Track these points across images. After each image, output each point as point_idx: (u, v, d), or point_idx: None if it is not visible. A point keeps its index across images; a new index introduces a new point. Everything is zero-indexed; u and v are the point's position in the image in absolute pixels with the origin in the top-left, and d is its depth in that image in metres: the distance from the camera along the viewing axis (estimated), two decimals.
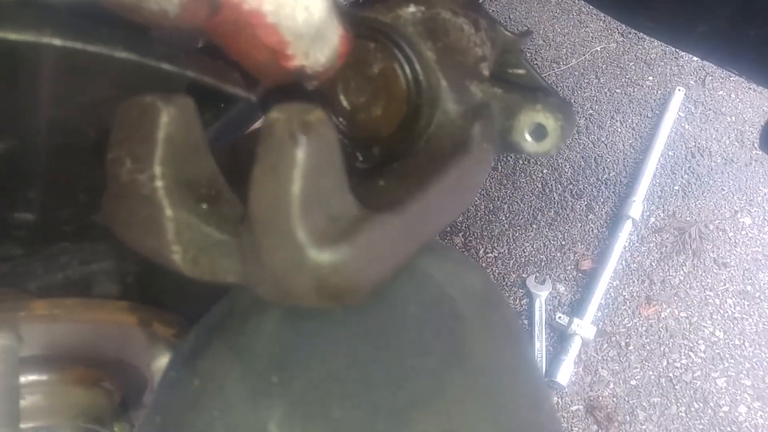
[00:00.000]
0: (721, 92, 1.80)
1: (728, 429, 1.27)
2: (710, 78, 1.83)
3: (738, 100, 1.78)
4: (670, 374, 1.34)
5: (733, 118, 1.74)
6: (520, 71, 0.42)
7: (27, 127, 0.33)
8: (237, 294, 0.33)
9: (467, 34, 0.38)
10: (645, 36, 1.94)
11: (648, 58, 1.89)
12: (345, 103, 0.39)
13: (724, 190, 1.62)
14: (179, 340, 0.41)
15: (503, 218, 1.59)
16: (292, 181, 0.24)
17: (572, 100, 1.81)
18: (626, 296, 1.45)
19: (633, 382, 1.33)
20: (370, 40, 0.37)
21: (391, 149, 0.39)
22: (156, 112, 0.28)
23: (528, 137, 0.37)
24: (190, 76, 0.33)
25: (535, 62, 1.92)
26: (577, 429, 1.28)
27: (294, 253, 0.25)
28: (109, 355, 0.43)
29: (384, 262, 0.28)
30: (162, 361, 0.43)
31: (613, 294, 1.45)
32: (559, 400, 1.31)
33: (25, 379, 0.40)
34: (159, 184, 0.28)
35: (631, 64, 1.89)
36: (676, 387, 1.33)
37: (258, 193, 0.25)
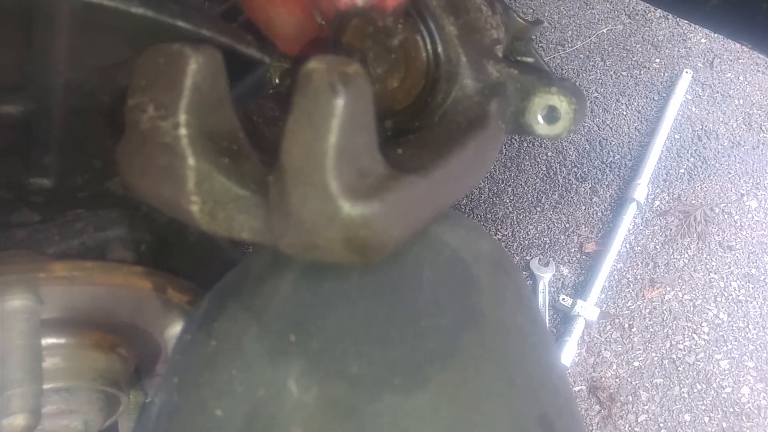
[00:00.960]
0: (729, 74, 1.79)
1: (731, 410, 1.28)
2: (718, 60, 1.82)
3: (746, 82, 1.76)
4: (673, 356, 1.35)
5: (741, 100, 1.73)
6: (529, 59, 0.42)
7: (43, 88, 0.33)
8: (251, 259, 0.34)
9: (485, 14, 0.39)
10: (653, 17, 1.92)
11: (655, 40, 1.87)
12: None
13: (730, 173, 1.61)
14: (193, 308, 0.41)
15: (507, 201, 1.59)
16: (330, 131, 0.24)
17: (577, 84, 1.80)
18: (630, 279, 1.45)
19: (636, 364, 1.34)
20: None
21: (405, 123, 0.38)
22: (185, 59, 0.28)
23: (540, 119, 0.37)
24: (205, 35, 0.33)
25: (540, 45, 1.90)
26: (579, 409, 1.29)
27: (326, 205, 0.25)
28: (125, 321, 0.44)
29: (407, 221, 0.28)
30: (176, 328, 0.43)
31: (616, 276, 1.45)
32: None
33: (45, 341, 0.40)
34: (183, 132, 0.27)
35: (638, 46, 1.88)
36: (679, 368, 1.33)
37: (292, 142, 0.25)
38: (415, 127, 0.38)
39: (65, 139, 0.38)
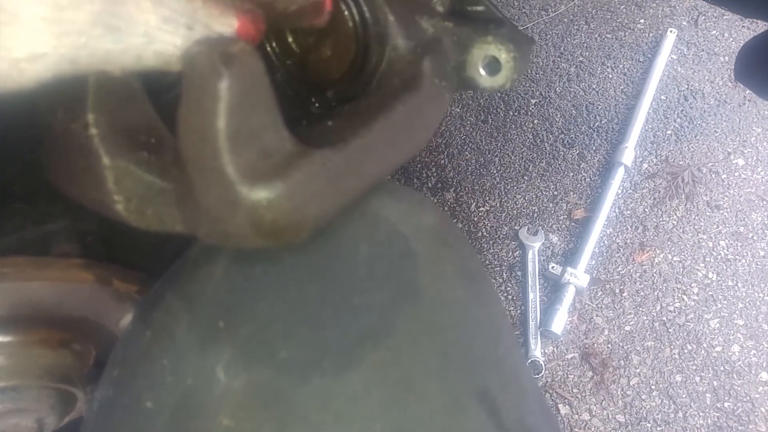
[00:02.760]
0: (714, 32, 1.76)
1: (721, 368, 1.29)
2: (703, 18, 1.78)
3: (731, 38, 1.73)
4: (664, 318, 1.35)
5: (727, 58, 1.70)
6: (479, 8, 0.41)
7: None
8: (192, 246, 0.33)
9: None
10: None
11: (639, 0, 1.84)
12: (294, 45, 0.38)
13: (717, 132, 1.60)
14: (142, 297, 0.41)
15: (494, 171, 1.57)
16: (217, 115, 0.23)
17: (562, 48, 1.77)
18: (620, 243, 1.44)
19: (627, 328, 1.34)
20: None
21: (346, 91, 0.37)
22: None
23: (482, 71, 0.36)
24: None
25: (523, 10, 1.87)
26: (572, 376, 1.30)
27: (226, 191, 0.24)
28: (75, 315, 0.43)
29: (325, 199, 0.27)
30: (129, 318, 0.42)
31: (606, 242, 1.44)
32: (555, 349, 1.32)
33: None
34: (93, 131, 0.27)
35: (621, 7, 1.84)
36: (670, 330, 1.34)
37: (185, 130, 0.24)
38: (356, 93, 0.37)
39: None
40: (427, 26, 0.35)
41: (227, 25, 0.27)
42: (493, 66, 0.36)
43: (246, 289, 0.28)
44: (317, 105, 0.39)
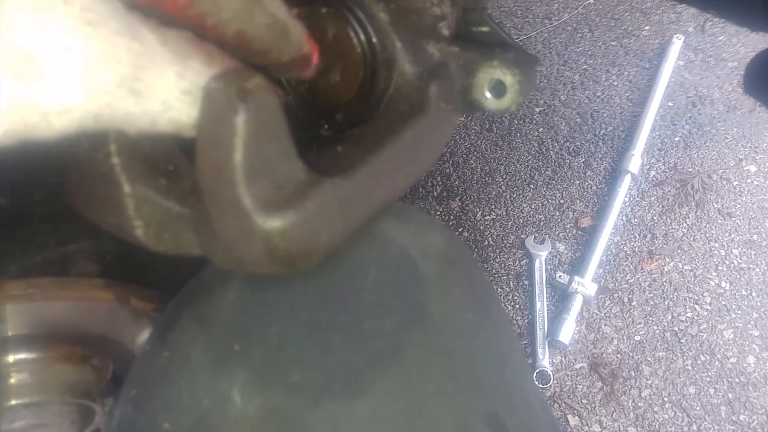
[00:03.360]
0: (721, 37, 1.74)
1: (736, 380, 1.25)
2: (710, 23, 1.77)
3: (740, 44, 1.71)
4: (675, 328, 1.32)
5: (735, 63, 1.68)
6: (484, 29, 0.42)
7: None
8: (206, 267, 0.33)
9: None
10: None
11: (644, 7, 1.83)
12: None
13: (727, 138, 1.57)
14: (159, 315, 0.42)
15: (500, 180, 1.55)
16: (234, 149, 0.24)
17: (566, 57, 1.76)
18: (628, 252, 1.42)
19: (637, 338, 1.31)
20: (322, 5, 0.36)
21: (354, 115, 0.38)
22: None
23: (488, 94, 0.36)
24: None
25: (526, 19, 1.86)
26: (581, 387, 1.26)
27: (241, 221, 0.25)
28: (95, 333, 0.44)
29: (336, 226, 0.28)
30: (145, 335, 0.43)
31: (614, 250, 1.42)
32: (563, 359, 1.29)
33: (13, 357, 0.42)
34: (115, 161, 0.28)
35: (626, 14, 1.83)
36: (682, 341, 1.30)
37: (202, 162, 0.25)
38: (365, 117, 0.37)
39: (14, 157, 0.37)
40: (434, 51, 0.36)
41: None
42: (499, 89, 0.36)
43: (259, 312, 0.29)
44: (327, 128, 0.40)
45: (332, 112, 0.39)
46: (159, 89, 0.24)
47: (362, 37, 0.36)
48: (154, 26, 0.24)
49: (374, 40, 0.36)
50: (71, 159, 0.29)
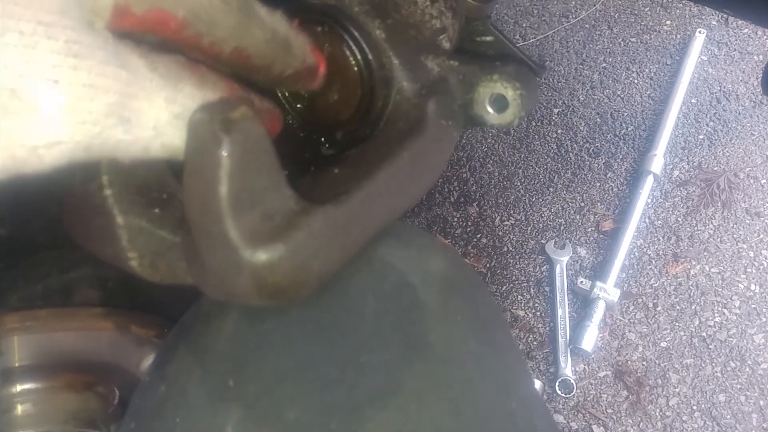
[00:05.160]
0: (746, 30, 1.68)
1: None
2: (744, 21, 1.71)
3: (765, 36, 1.66)
4: (703, 333, 1.28)
5: (761, 56, 1.63)
6: (488, 38, 0.41)
7: None
8: (203, 297, 0.33)
9: (421, 6, 0.37)
10: None
11: (664, 1, 1.78)
12: (303, 90, 0.38)
13: (753, 134, 1.52)
14: (162, 342, 0.42)
15: (518, 184, 1.53)
16: (219, 181, 0.24)
17: (584, 55, 1.72)
18: (651, 255, 1.38)
19: (663, 344, 1.28)
20: (317, 23, 0.36)
21: (355, 133, 0.38)
22: None
23: (489, 109, 0.35)
24: None
25: (543, 18, 1.83)
26: (606, 395, 1.24)
27: (229, 255, 0.25)
28: (97, 360, 0.44)
29: (329, 254, 0.27)
30: (149, 361, 0.43)
31: (637, 254, 1.38)
32: (586, 367, 1.27)
33: (16, 388, 0.42)
34: (108, 192, 0.28)
35: (646, 9, 1.78)
36: (710, 346, 1.26)
37: (188, 196, 0.25)
38: (364, 135, 0.37)
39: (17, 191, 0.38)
40: (433, 66, 0.35)
41: None
42: (501, 103, 0.35)
43: (255, 345, 0.29)
44: (328, 146, 0.39)
45: (332, 131, 0.39)
46: (149, 115, 0.23)
47: (358, 55, 0.36)
48: (144, 52, 0.23)
49: (370, 58, 0.35)
50: (67, 190, 0.30)
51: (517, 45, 0.41)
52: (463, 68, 0.35)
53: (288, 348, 0.28)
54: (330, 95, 0.37)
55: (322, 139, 0.39)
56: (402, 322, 0.29)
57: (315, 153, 0.39)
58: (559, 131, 1.60)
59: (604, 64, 1.70)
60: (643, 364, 1.26)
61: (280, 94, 0.39)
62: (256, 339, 0.29)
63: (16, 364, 0.41)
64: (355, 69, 0.36)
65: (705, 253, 1.37)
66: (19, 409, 0.42)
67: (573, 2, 1.85)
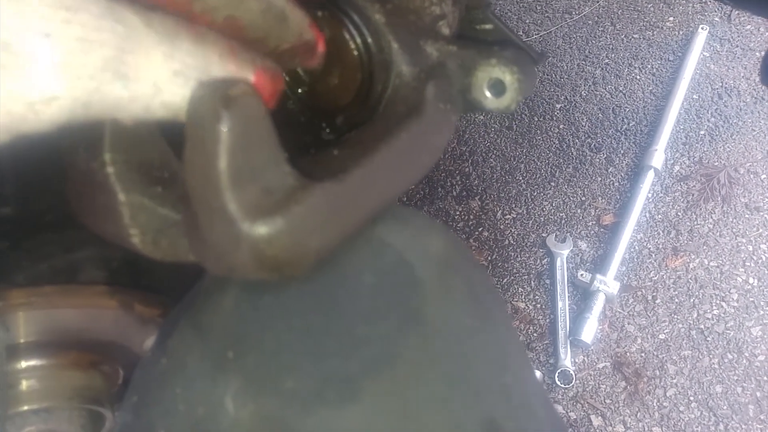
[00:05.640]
0: (748, 26, 1.69)
1: (765, 378, 1.23)
2: (736, 13, 1.72)
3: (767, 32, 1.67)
4: (701, 326, 1.30)
5: (763, 53, 1.64)
6: (488, 26, 0.41)
7: None
8: (205, 273, 0.34)
9: None
10: None
11: None
12: (303, 74, 0.39)
13: (754, 130, 1.53)
14: (163, 322, 0.42)
15: (520, 178, 1.55)
16: (218, 156, 0.24)
17: (587, 51, 1.74)
18: (651, 249, 1.40)
19: (662, 336, 1.29)
20: (318, 7, 0.36)
21: (355, 117, 0.38)
22: None
23: (488, 93, 0.36)
24: None
25: (546, 14, 1.84)
26: (604, 386, 1.26)
27: (228, 228, 0.25)
28: (102, 339, 0.45)
29: (327, 231, 0.28)
30: (153, 340, 0.44)
31: (637, 247, 1.40)
32: (585, 359, 1.29)
33: (22, 364, 0.42)
34: (110, 170, 0.28)
35: (649, 6, 1.79)
36: (708, 339, 1.28)
37: (189, 170, 0.26)
38: (364, 119, 0.37)
39: (20, 167, 0.38)
40: (432, 51, 0.36)
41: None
42: (499, 88, 0.36)
43: (254, 318, 0.29)
44: (329, 131, 0.40)
45: (333, 115, 0.39)
46: (147, 71, 0.23)
47: (358, 39, 0.36)
48: (140, 9, 0.23)
49: (370, 42, 0.36)
50: (71, 168, 0.30)
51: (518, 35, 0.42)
52: (461, 53, 0.36)
53: (286, 321, 0.29)
54: (330, 79, 0.38)
55: (323, 123, 0.40)
56: (399, 297, 0.30)
57: (316, 137, 0.40)
58: (561, 126, 1.61)
59: (607, 60, 1.71)
60: (641, 356, 1.28)
61: None
62: (255, 312, 0.29)
63: (22, 340, 0.42)
64: (355, 53, 0.36)
65: (704, 247, 1.39)
66: (24, 384, 0.42)
67: None
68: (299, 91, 0.39)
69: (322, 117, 0.40)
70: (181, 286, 0.43)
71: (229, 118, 0.24)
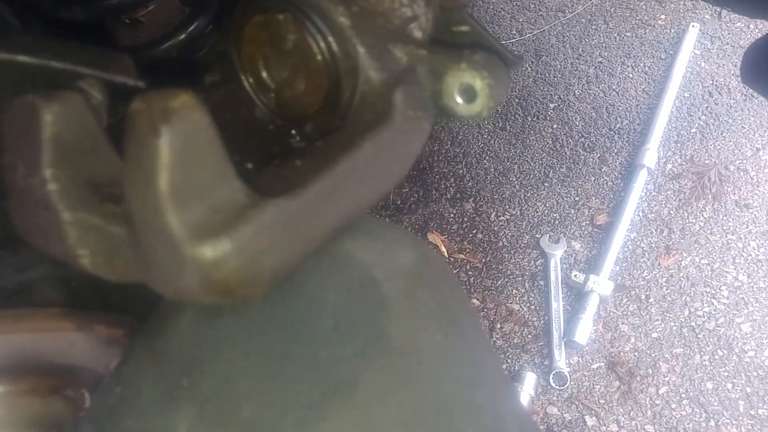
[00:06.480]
0: (738, 24, 1.70)
1: (755, 374, 1.25)
2: (726, 10, 1.73)
3: (758, 30, 1.67)
4: (693, 323, 1.32)
5: None
6: (464, 28, 0.39)
7: None
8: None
9: None
10: None
11: None
12: (269, 80, 0.38)
13: (744, 128, 1.55)
14: (129, 342, 0.40)
15: (514, 179, 1.57)
16: (158, 173, 0.23)
17: (580, 50, 1.75)
18: (644, 248, 1.42)
19: (654, 335, 1.32)
20: (278, 11, 0.35)
21: (324, 125, 0.36)
22: (37, 110, 0.27)
23: (459, 99, 0.34)
24: (57, 67, 0.31)
25: (539, 13, 1.85)
26: (599, 386, 1.28)
27: (172, 250, 0.23)
28: (62, 363, 0.42)
29: (283, 249, 0.26)
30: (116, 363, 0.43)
31: (630, 247, 1.42)
32: (580, 359, 1.31)
33: None
34: (51, 187, 0.26)
35: (641, 4, 1.80)
36: (699, 336, 1.31)
37: (129, 189, 0.24)
38: (336, 128, 0.35)
39: None
40: (401, 55, 0.34)
41: None
42: (470, 93, 0.34)
43: (210, 343, 0.28)
44: (299, 139, 0.38)
45: (302, 123, 0.37)
46: None
47: (322, 44, 0.34)
48: None
49: (335, 47, 0.34)
50: (10, 184, 0.28)
51: (514, 38, 0.40)
52: (431, 57, 0.34)
53: (244, 344, 0.27)
54: (297, 85, 0.36)
55: (293, 131, 0.38)
56: (363, 316, 0.29)
57: (284, 146, 0.38)
58: (554, 126, 1.63)
59: (600, 59, 1.72)
60: (634, 355, 1.30)
61: (246, 84, 0.38)
62: (211, 336, 0.28)
63: None
64: (319, 58, 0.34)
65: (696, 245, 1.41)
66: None
67: None
68: (265, 98, 0.38)
69: (291, 124, 0.38)
70: (151, 304, 0.41)
71: (168, 133, 0.22)
